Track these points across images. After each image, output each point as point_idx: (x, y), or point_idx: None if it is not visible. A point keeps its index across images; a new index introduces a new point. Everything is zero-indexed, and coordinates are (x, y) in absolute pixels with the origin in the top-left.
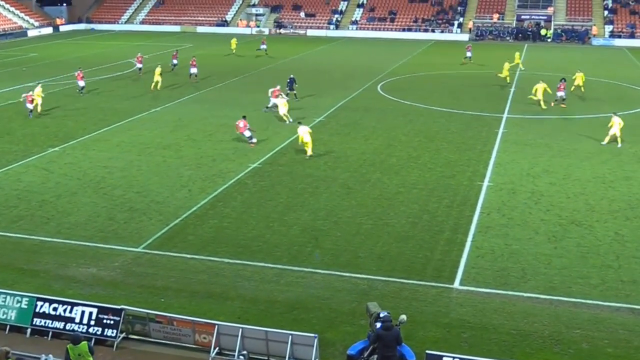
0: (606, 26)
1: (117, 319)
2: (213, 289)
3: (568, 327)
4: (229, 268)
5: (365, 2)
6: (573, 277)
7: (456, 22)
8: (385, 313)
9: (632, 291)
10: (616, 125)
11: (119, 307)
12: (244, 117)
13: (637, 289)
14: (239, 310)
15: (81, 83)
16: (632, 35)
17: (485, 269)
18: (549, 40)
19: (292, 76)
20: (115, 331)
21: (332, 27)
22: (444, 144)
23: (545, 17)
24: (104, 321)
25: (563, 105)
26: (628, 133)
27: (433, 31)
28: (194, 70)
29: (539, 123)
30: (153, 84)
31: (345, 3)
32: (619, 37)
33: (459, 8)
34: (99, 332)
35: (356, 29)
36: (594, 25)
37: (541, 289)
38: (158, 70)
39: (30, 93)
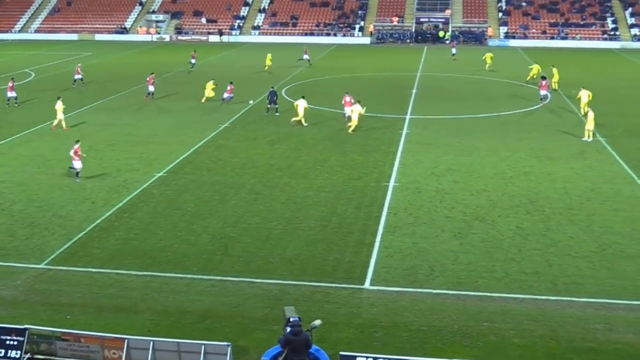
0: (501, 27)
1: (21, 339)
2: (121, 302)
3: (476, 321)
4: (137, 280)
5: (266, 7)
6: (479, 272)
7: (357, 26)
8: (295, 318)
9: (534, 282)
10: (590, 123)
11: (22, 326)
12: (232, 82)
13: (539, 279)
14: (149, 322)
15: (151, 88)
16: (525, 36)
17: (395, 268)
18: (447, 42)
19: (272, 89)
20: (19, 352)
21: (234, 32)
22: (349, 146)
23: (443, 20)
24: (7, 342)
25: (541, 105)
26: (524, 130)
27: (335, 35)
28: (151, 88)
29: (441, 123)
30: (204, 98)
31: (247, 8)
32: (513, 37)
33: (359, 12)
34: (1, 354)
35: (258, 34)
36: (490, 26)
37: (449, 285)
38: (210, 84)
39: (77, 146)
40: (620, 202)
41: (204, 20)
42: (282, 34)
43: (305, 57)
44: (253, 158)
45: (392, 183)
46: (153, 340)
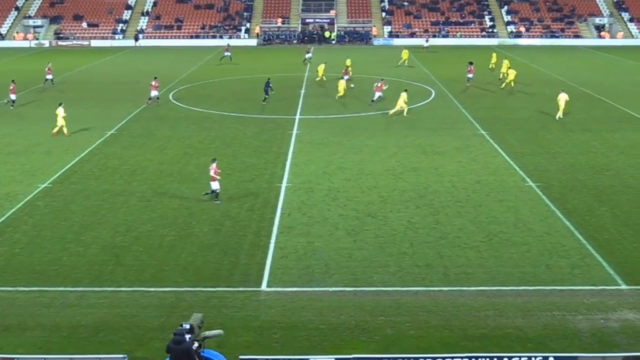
0: (385, 27)
1: None
2: (8, 321)
3: (372, 315)
4: (24, 297)
5: (150, 10)
6: (373, 267)
7: (243, 28)
8: (185, 325)
9: (427, 274)
10: (562, 100)
11: None
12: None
13: (431, 271)
14: (40, 340)
15: (154, 93)
16: (413, 35)
17: (291, 269)
18: (333, 42)
19: (268, 80)
20: None
21: (117, 36)
22: (240, 148)
23: (328, 20)
24: None
25: (469, 85)
26: (411, 127)
27: (221, 37)
28: (154, 93)
29: (330, 122)
30: (339, 94)
31: (129, 12)
32: (397, 36)
33: (245, 13)
34: None
35: (143, 37)
36: (374, 26)
37: (345, 282)
38: (342, 83)
39: (214, 165)
40: (504, 193)
41: (84, 24)
42: (166, 37)
43: (308, 56)
44: (142, 164)
45: (284, 184)
46: (45, 358)
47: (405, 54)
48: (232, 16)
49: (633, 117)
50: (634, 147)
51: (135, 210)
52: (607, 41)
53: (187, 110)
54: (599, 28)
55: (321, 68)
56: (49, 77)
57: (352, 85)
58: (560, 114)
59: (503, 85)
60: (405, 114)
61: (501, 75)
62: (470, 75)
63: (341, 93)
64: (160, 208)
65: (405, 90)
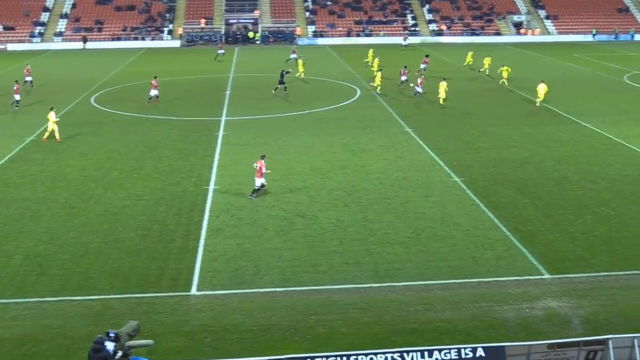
0: (309, 26)
1: None
2: None
3: (304, 315)
4: None
5: (69, 12)
6: (304, 267)
7: (166, 29)
8: (111, 334)
9: (357, 272)
10: (541, 89)
11: None
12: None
13: (361, 269)
14: None
15: (154, 92)
16: (348, 34)
17: (220, 271)
18: (258, 42)
19: (283, 71)
20: None
21: (35, 39)
22: (166, 151)
23: (252, 20)
24: None
25: (419, 73)
26: (337, 125)
27: (143, 39)
28: (154, 92)
29: (257, 123)
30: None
31: (48, 14)
32: (321, 36)
33: (167, 15)
34: None
35: (62, 40)
36: (298, 26)
37: (276, 283)
38: (379, 75)
39: (263, 162)
40: (430, 188)
41: (0, 27)
42: (87, 40)
43: (293, 56)
44: (64, 170)
45: (211, 186)
46: None
47: (370, 54)
48: (154, 17)
49: (551, 111)
50: (552, 140)
51: (58, 218)
52: (525, 38)
53: (110, 114)
54: (518, 25)
55: (300, 63)
56: (29, 78)
57: (411, 84)
58: (538, 101)
59: (501, 82)
60: (441, 102)
61: (482, 70)
62: (423, 66)
63: (377, 83)
64: (84, 214)
65: (444, 79)
